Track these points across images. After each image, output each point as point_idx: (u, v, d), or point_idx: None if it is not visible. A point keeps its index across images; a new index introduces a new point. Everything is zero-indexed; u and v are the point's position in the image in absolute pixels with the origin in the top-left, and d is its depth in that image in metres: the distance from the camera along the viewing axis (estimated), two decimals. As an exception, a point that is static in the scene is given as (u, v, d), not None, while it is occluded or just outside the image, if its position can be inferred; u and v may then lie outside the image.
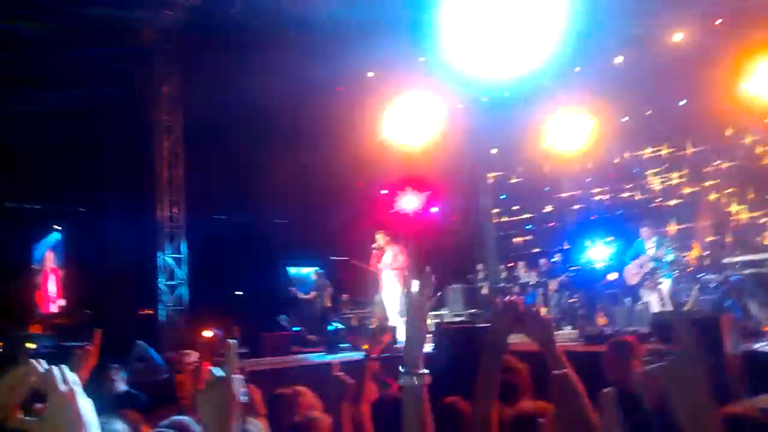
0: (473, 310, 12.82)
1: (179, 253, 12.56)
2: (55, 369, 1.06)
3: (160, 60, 12.58)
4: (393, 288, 9.08)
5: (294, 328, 12.04)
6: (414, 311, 1.86)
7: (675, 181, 14.09)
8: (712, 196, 13.32)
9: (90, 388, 1.14)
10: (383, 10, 11.16)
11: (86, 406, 1.08)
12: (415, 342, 1.81)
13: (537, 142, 14.98)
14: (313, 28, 12.34)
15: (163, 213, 12.44)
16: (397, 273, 9.02)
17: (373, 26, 11.74)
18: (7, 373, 1.11)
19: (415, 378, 1.72)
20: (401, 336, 8.52)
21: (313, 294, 12.30)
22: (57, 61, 11.33)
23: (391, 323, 8.96)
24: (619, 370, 3.44)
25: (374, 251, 9.20)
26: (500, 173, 17.38)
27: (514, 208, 17.54)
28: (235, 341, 1.49)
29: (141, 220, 12.88)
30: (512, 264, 14.42)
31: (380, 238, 9.16)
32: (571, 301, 12.26)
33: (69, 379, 1.06)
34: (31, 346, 9.44)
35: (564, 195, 16.44)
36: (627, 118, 14.00)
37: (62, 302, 13.68)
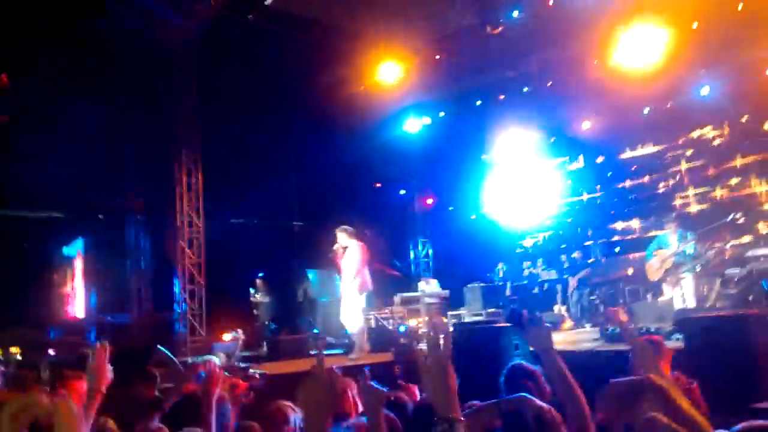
0: (492, 310, 12.73)
1: (199, 257, 12.61)
2: (60, 400, 1.02)
3: (179, 71, 12.66)
4: (350, 288, 8.48)
5: (314, 331, 12.05)
6: (434, 366, 1.65)
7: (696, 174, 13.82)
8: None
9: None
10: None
11: None
12: (445, 391, 1.63)
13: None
14: (325, 31, 12.38)
15: (182, 218, 12.50)
16: (354, 272, 8.40)
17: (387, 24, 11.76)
18: (11, 401, 1.07)
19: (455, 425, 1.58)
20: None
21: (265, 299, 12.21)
22: (79, 74, 11.46)
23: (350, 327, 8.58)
24: (647, 370, 3.35)
25: (336, 250, 8.56)
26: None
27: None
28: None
29: (161, 226, 12.98)
30: (530, 263, 14.30)
31: (341, 236, 8.55)
32: (591, 298, 12.13)
33: (74, 411, 1.01)
34: (51, 352, 9.52)
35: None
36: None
37: (83, 308, 13.86)
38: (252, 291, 12.76)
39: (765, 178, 12.51)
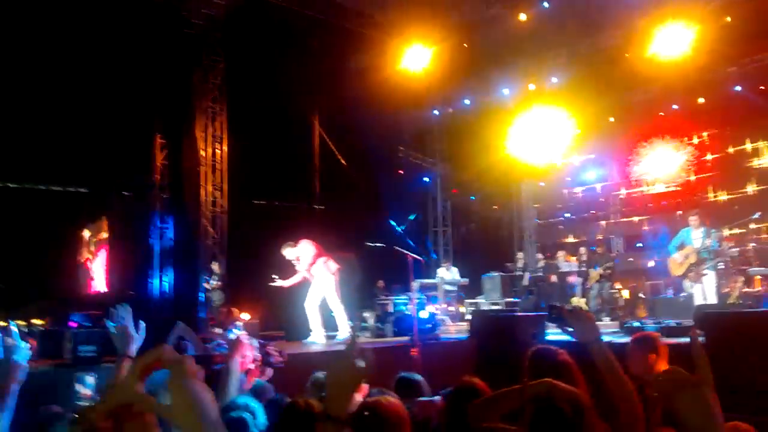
0: (510, 299, 12.73)
1: (220, 237, 12.75)
2: (183, 359, 1.05)
3: (206, 49, 12.74)
4: (318, 278, 8.76)
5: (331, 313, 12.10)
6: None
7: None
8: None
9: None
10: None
11: (210, 396, 1.05)
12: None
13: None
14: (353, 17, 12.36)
15: (206, 197, 12.64)
16: (314, 264, 8.68)
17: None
18: (141, 355, 1.11)
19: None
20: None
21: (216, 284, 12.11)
22: (109, 51, 11.55)
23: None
24: (640, 364, 3.41)
25: (297, 267, 8.83)
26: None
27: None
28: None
29: (184, 205, 13.12)
30: (549, 254, 14.24)
31: (288, 252, 8.81)
32: (611, 291, 12.07)
33: (194, 369, 1.05)
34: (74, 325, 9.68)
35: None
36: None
37: (105, 282, 14.10)
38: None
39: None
